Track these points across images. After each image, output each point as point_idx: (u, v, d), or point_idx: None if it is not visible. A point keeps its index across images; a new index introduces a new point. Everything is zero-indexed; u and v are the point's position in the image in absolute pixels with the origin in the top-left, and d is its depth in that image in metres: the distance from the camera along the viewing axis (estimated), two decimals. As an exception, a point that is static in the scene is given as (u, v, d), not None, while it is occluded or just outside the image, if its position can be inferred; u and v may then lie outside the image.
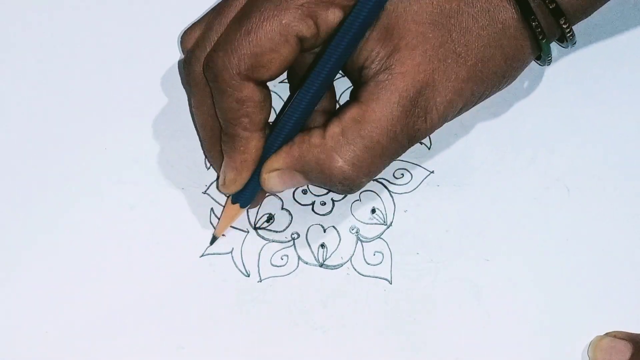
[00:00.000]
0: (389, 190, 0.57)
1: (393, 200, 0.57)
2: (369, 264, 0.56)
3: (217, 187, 0.56)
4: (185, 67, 0.53)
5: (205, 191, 0.57)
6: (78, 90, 0.58)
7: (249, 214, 0.57)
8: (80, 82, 0.58)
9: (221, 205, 0.57)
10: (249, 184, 0.53)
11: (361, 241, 0.56)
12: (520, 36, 0.51)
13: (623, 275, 0.56)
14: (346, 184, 0.50)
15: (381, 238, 0.56)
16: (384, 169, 0.51)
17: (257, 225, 0.56)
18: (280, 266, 0.56)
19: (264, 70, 0.50)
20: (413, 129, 0.50)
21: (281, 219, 0.57)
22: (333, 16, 0.49)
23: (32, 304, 0.55)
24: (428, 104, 0.50)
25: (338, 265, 0.56)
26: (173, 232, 0.56)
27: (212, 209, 0.57)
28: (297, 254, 0.56)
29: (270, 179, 0.52)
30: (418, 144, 0.58)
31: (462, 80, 0.50)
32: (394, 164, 0.57)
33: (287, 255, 0.56)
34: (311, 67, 0.52)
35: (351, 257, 0.56)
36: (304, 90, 0.51)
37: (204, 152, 0.57)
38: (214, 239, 0.56)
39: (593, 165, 0.57)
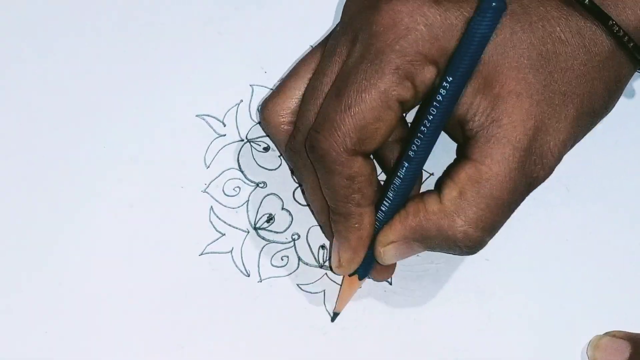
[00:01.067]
0: (389, 191, 0.57)
1: (393, 201, 0.57)
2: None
3: (331, 269, 0.55)
4: (292, 155, 0.52)
5: (205, 190, 0.57)
6: (77, 89, 0.58)
7: (249, 214, 0.56)
8: (79, 81, 0.58)
9: (220, 203, 0.57)
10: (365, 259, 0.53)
11: (361, 242, 0.56)
12: (618, 64, 0.50)
13: (622, 275, 0.56)
14: (470, 246, 0.49)
15: (381, 239, 0.56)
16: (504, 223, 0.50)
17: (258, 226, 0.56)
18: (281, 267, 0.56)
19: (371, 141, 0.48)
20: (531, 177, 0.49)
21: (281, 220, 0.57)
22: (429, 74, 0.48)
23: (32, 302, 0.54)
24: (543, 149, 0.49)
25: (338, 266, 0.56)
26: (172, 231, 0.56)
27: (211, 207, 0.57)
28: (297, 254, 0.56)
29: (386, 252, 0.51)
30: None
31: (572, 119, 0.49)
32: (395, 165, 0.57)
33: (288, 256, 0.56)
34: (412, 130, 0.51)
35: (351, 258, 0.56)
36: (412, 156, 0.49)
37: (324, 233, 0.56)
38: (335, 316, 0.55)
39: (593, 165, 0.57)
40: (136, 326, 0.54)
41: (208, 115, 0.58)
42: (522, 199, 0.50)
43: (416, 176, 0.50)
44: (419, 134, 0.48)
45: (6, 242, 0.55)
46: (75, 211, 0.56)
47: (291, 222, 0.57)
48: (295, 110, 0.52)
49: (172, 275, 0.55)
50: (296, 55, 0.59)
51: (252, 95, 0.59)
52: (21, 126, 0.57)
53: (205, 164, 0.57)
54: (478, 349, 0.55)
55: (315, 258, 0.56)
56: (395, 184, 0.50)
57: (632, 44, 0.50)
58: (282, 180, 0.57)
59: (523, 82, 0.48)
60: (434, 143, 0.49)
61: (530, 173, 0.49)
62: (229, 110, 0.58)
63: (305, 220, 0.57)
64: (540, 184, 0.50)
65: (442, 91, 0.46)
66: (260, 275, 0.56)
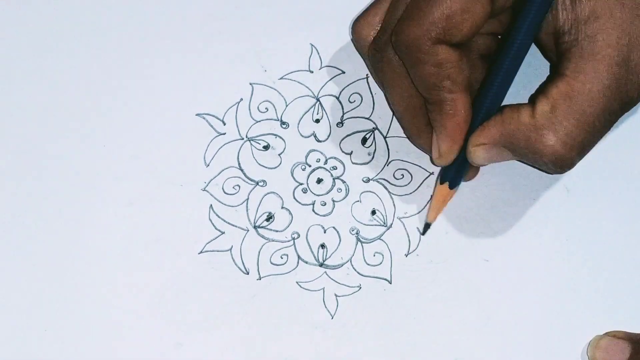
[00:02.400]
0: (389, 192, 0.57)
1: (393, 202, 0.57)
2: (368, 264, 0.56)
3: (433, 162, 0.55)
4: (375, 54, 0.53)
5: (204, 188, 0.57)
6: (77, 88, 0.58)
7: (249, 212, 0.56)
8: (79, 79, 0.58)
9: (220, 202, 0.56)
10: (455, 163, 0.53)
11: (361, 242, 0.56)
12: None
13: (622, 275, 0.56)
14: (558, 163, 0.50)
15: (381, 239, 0.56)
16: (596, 143, 0.50)
17: (257, 224, 0.56)
18: (280, 265, 0.56)
19: (457, 31, 0.49)
20: (627, 95, 0.49)
21: (281, 219, 0.57)
22: None
23: (31, 300, 0.54)
24: (637, 68, 0.49)
25: (338, 265, 0.56)
26: (172, 229, 0.56)
27: (211, 205, 0.56)
28: (296, 253, 0.56)
29: (477, 151, 0.52)
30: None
31: None
32: (394, 164, 0.57)
33: (287, 255, 0.56)
34: (507, 32, 0.51)
35: (351, 257, 0.56)
36: (506, 54, 0.50)
37: (409, 138, 0.56)
38: (427, 227, 0.56)
39: (593, 166, 0.57)
40: (135, 323, 0.54)
41: (208, 114, 0.58)
42: (615, 120, 0.50)
43: (507, 86, 0.51)
44: (511, 39, 0.49)
45: (6, 239, 0.55)
46: (75, 209, 0.56)
47: (291, 220, 0.57)
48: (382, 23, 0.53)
49: (172, 273, 0.55)
50: (296, 53, 0.59)
51: (252, 94, 0.59)
52: (21, 125, 0.57)
53: (205, 162, 0.57)
54: (477, 348, 0.55)
55: (314, 257, 0.56)
56: (487, 93, 0.51)
57: None
58: (282, 178, 0.57)
59: (614, 0, 0.48)
60: (526, 50, 0.50)
61: (625, 91, 0.49)
62: (229, 108, 0.58)
63: (305, 219, 0.56)
64: (633, 105, 0.50)
65: None
66: (259, 273, 0.56)
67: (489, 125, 0.51)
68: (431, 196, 0.56)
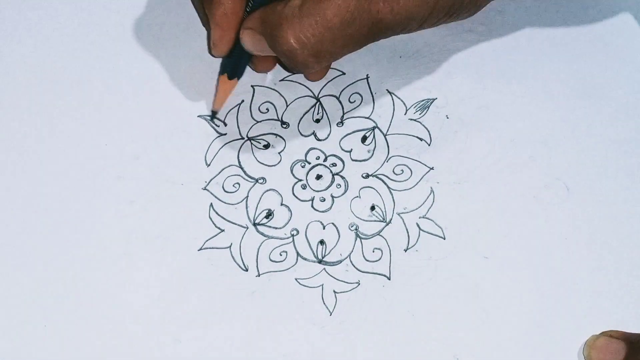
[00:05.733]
0: (388, 188, 0.57)
1: (392, 197, 0.57)
2: (367, 260, 0.56)
3: (210, 52, 0.56)
4: None
5: (205, 187, 0.57)
6: (79, 87, 0.58)
7: (249, 209, 0.57)
8: (80, 78, 0.59)
9: (220, 200, 0.57)
10: (234, 54, 0.54)
11: (360, 238, 0.56)
12: None
13: (620, 274, 0.56)
14: (290, 57, 0.49)
15: (380, 235, 0.56)
16: (337, 54, 0.50)
17: (257, 221, 0.57)
18: (279, 262, 0.56)
19: None
20: (376, 16, 0.48)
21: (280, 215, 0.57)
22: None
23: (31, 297, 0.54)
24: None
25: (337, 261, 0.56)
26: (172, 227, 0.56)
27: (211, 204, 0.57)
28: (296, 250, 0.56)
29: (244, 35, 0.52)
30: (417, 140, 0.58)
31: None
32: (394, 160, 0.57)
33: (286, 251, 0.56)
34: None
35: (350, 253, 0.56)
36: None
37: (202, 23, 0.58)
38: (214, 114, 0.57)
39: (593, 164, 0.58)
40: (135, 320, 0.54)
41: (210, 116, 0.58)
42: (362, 38, 0.49)
43: None
44: None
45: (7, 238, 0.55)
46: (77, 207, 0.56)
47: (290, 217, 0.57)
48: None
49: (172, 270, 0.55)
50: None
51: (253, 96, 0.59)
52: (23, 124, 0.58)
53: (206, 162, 0.58)
54: (475, 345, 0.54)
55: (313, 253, 0.56)
56: None
57: None
58: (282, 176, 0.57)
59: None
60: None
61: (375, 11, 0.48)
62: (230, 110, 0.59)
63: (304, 215, 0.57)
64: (387, 30, 0.50)
65: None
66: (258, 270, 0.56)
67: (257, 11, 0.52)
68: (217, 82, 0.57)
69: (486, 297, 0.55)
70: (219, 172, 0.57)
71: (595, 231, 0.57)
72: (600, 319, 0.55)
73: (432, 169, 0.57)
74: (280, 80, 0.59)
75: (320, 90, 0.59)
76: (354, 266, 0.56)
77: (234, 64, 0.55)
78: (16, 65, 0.59)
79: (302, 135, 0.58)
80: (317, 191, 0.57)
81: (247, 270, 0.56)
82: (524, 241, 0.56)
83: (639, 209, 0.57)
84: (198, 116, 0.58)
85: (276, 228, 0.56)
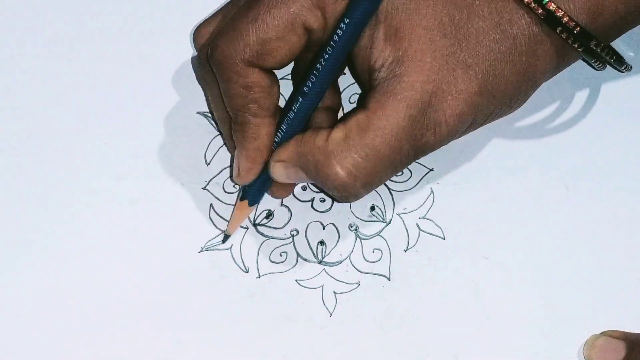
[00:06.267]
0: (388, 188, 0.57)
1: (392, 198, 0.57)
2: (367, 261, 0.56)
3: (231, 179, 0.56)
4: (199, 61, 0.53)
5: (205, 187, 0.57)
6: (78, 86, 0.58)
7: (249, 210, 0.57)
8: (80, 77, 0.59)
9: (220, 201, 0.57)
10: (256, 183, 0.53)
11: (360, 238, 0.56)
12: (532, 54, 0.49)
13: (620, 274, 0.56)
14: (342, 191, 0.49)
15: (380, 235, 0.56)
16: (385, 180, 0.50)
17: (257, 222, 0.57)
18: (279, 262, 0.56)
19: (270, 58, 0.49)
20: (421, 141, 0.49)
21: (280, 216, 0.57)
22: (340, 7, 0.49)
23: (32, 297, 0.54)
24: (437, 116, 0.48)
25: (337, 262, 0.56)
26: (172, 228, 0.56)
27: (211, 204, 0.57)
28: (296, 250, 0.56)
29: (276, 167, 0.52)
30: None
31: (473, 94, 0.49)
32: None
33: (286, 252, 0.56)
34: (315, 59, 0.51)
35: (350, 254, 0.56)
36: (307, 91, 0.50)
37: (226, 146, 0.57)
38: (226, 237, 0.56)
39: (593, 164, 0.58)
40: (135, 321, 0.54)
41: (209, 113, 0.58)
42: (406, 162, 0.50)
43: (310, 111, 0.51)
44: (314, 71, 0.49)
45: (7, 237, 0.55)
46: (76, 207, 0.56)
47: (290, 218, 0.57)
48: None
49: (172, 272, 0.55)
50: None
51: (253, 95, 0.59)
52: (23, 122, 0.58)
53: (206, 161, 0.57)
54: (475, 346, 0.55)
55: (313, 254, 0.56)
56: (289, 117, 0.51)
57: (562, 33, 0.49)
58: (282, 176, 0.57)
59: (430, 43, 0.48)
60: (329, 82, 0.50)
61: (421, 137, 0.49)
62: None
63: (304, 216, 0.57)
64: (428, 151, 0.50)
65: (339, 31, 0.48)
66: (259, 271, 0.56)
67: (289, 143, 0.51)
68: (233, 206, 0.57)
69: (486, 298, 0.55)
70: (219, 172, 0.57)
71: (595, 231, 0.57)
72: (600, 319, 0.55)
73: (432, 170, 0.57)
74: (280, 79, 0.59)
75: (320, 90, 0.59)
76: (354, 267, 0.56)
77: (256, 192, 0.55)
78: (15, 64, 0.59)
79: (302, 135, 0.58)
80: (317, 192, 0.57)
81: (247, 271, 0.56)
82: (524, 241, 0.56)
83: (639, 209, 0.57)
84: (197, 113, 0.58)
85: (276, 228, 0.57)
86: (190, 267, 0.55)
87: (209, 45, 0.51)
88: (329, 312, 0.55)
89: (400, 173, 0.57)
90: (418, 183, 0.57)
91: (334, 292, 0.55)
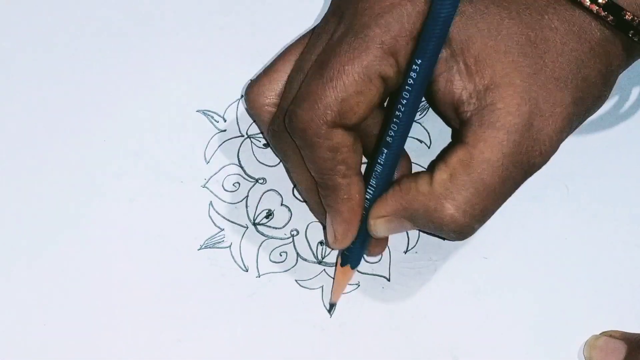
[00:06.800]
0: (388, 188, 0.57)
1: (392, 198, 0.57)
2: (367, 261, 0.56)
3: (328, 245, 0.55)
4: (273, 133, 0.52)
5: (204, 185, 0.57)
6: (77, 83, 0.58)
7: (249, 209, 0.57)
8: (80, 75, 0.58)
9: (219, 199, 0.57)
10: (355, 244, 0.52)
11: (360, 239, 0.56)
12: (608, 52, 0.49)
13: (620, 275, 0.56)
14: (458, 232, 0.48)
15: (380, 236, 0.56)
16: (496, 210, 0.49)
17: (257, 221, 0.57)
18: (279, 262, 0.56)
19: (352, 114, 0.48)
20: (528, 164, 0.48)
21: (280, 216, 0.57)
22: (412, 49, 0.47)
23: (30, 295, 0.55)
24: (539, 135, 0.48)
25: (337, 262, 0.56)
26: (172, 226, 0.56)
27: (210, 202, 0.57)
28: (295, 250, 0.56)
29: (377, 225, 0.50)
30: (417, 142, 0.58)
31: (568, 104, 0.48)
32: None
33: (286, 252, 0.56)
34: (388, 117, 0.49)
35: (350, 254, 0.56)
36: (390, 142, 0.49)
37: (313, 213, 0.56)
38: (332, 307, 0.55)
39: (593, 165, 0.57)
40: (134, 320, 0.54)
41: (208, 111, 0.58)
42: (516, 187, 0.49)
43: (396, 161, 0.50)
44: (394, 119, 0.48)
45: (6, 235, 0.55)
46: (75, 205, 0.56)
47: (290, 218, 0.57)
48: (280, 92, 0.52)
49: (171, 270, 0.55)
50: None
51: (252, 91, 0.59)
52: (22, 121, 0.57)
53: (205, 159, 0.57)
54: (475, 346, 0.55)
55: (313, 254, 0.56)
56: (376, 170, 0.50)
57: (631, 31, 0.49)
58: (282, 176, 0.57)
59: (514, 66, 0.47)
60: (410, 127, 0.49)
61: (526, 159, 0.48)
62: (230, 105, 0.58)
63: (304, 216, 0.57)
64: (535, 171, 0.49)
65: (413, 74, 0.46)
66: (258, 271, 0.56)
67: (387, 196, 0.50)
68: (334, 274, 0.56)
69: (486, 298, 0.55)
70: (219, 170, 0.57)
71: (595, 231, 0.57)
72: (600, 319, 0.55)
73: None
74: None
75: (320, 88, 0.59)
76: (354, 267, 0.56)
77: (357, 253, 0.53)
78: (15, 62, 0.59)
79: (302, 134, 0.58)
80: (317, 192, 0.57)
81: (247, 270, 0.56)
82: (524, 241, 0.56)
83: (639, 209, 0.57)
84: (197, 111, 0.58)
85: (276, 228, 0.56)
86: (189, 265, 0.55)
87: (286, 115, 0.50)
88: (329, 313, 0.55)
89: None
90: (418, 184, 0.57)
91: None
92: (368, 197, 0.51)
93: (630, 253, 0.56)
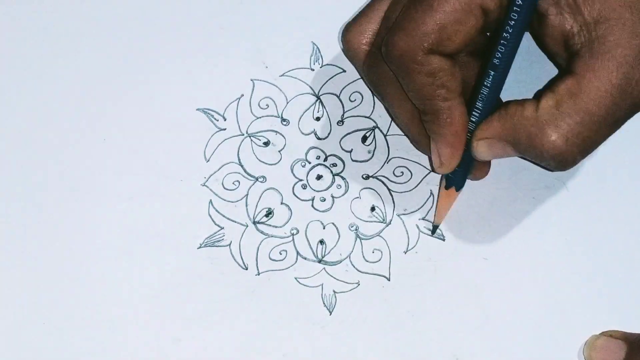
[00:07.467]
0: (388, 189, 0.57)
1: (392, 198, 0.57)
2: (367, 261, 0.56)
3: (433, 170, 0.56)
4: (368, 65, 0.52)
5: (204, 183, 0.57)
6: (78, 82, 0.58)
7: (248, 208, 0.57)
8: (80, 74, 0.58)
9: (219, 197, 0.57)
10: (459, 165, 0.53)
11: (360, 239, 0.56)
12: None
13: (620, 275, 0.56)
14: (558, 160, 0.48)
15: (380, 236, 0.56)
16: (601, 143, 0.49)
17: (256, 220, 0.56)
18: (279, 260, 0.56)
19: (449, 43, 0.49)
20: (637, 97, 0.48)
21: (281, 214, 0.57)
22: None
23: (29, 294, 0.54)
24: None
25: (337, 261, 0.56)
26: (171, 224, 0.56)
27: (210, 201, 0.57)
28: (295, 249, 0.56)
29: (480, 146, 0.51)
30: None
31: None
32: (394, 162, 0.57)
33: (286, 251, 0.56)
34: (493, 40, 0.50)
35: (350, 254, 0.56)
36: (497, 64, 0.49)
37: (416, 146, 0.56)
38: (435, 228, 0.56)
39: (593, 165, 0.57)
40: (134, 318, 0.54)
41: (209, 109, 0.58)
42: (621, 122, 0.49)
43: (502, 83, 0.50)
44: (502, 41, 0.48)
45: (6, 234, 0.55)
46: (75, 203, 0.56)
47: (290, 216, 0.57)
48: (376, 31, 0.53)
49: (171, 268, 0.55)
50: (298, 51, 0.59)
51: (252, 90, 0.59)
52: (22, 119, 0.57)
53: (205, 157, 0.57)
54: (475, 346, 0.55)
55: (313, 253, 0.56)
56: (482, 93, 0.50)
57: None
58: (282, 175, 0.57)
59: (622, 1, 0.47)
60: (517, 49, 0.49)
61: (637, 92, 0.48)
62: (230, 104, 0.58)
63: (304, 215, 0.57)
64: None
65: None
66: (258, 269, 0.56)
67: (492, 119, 0.50)
68: (437, 195, 0.56)
69: (486, 298, 0.55)
70: (219, 169, 0.57)
71: (595, 231, 0.57)
72: (600, 319, 0.55)
73: (432, 171, 0.57)
74: (280, 76, 0.59)
75: (321, 87, 0.59)
76: (354, 266, 0.56)
77: (461, 176, 0.54)
78: (15, 61, 0.59)
79: (302, 133, 0.58)
80: (318, 191, 0.57)
81: (246, 268, 0.56)
82: (524, 242, 0.56)
83: (639, 209, 0.57)
84: (197, 109, 0.58)
85: (276, 227, 0.56)
86: (188, 263, 0.55)
87: (382, 44, 0.50)
88: (329, 311, 0.55)
89: (400, 173, 0.57)
90: (418, 184, 0.57)
91: (334, 291, 0.55)
92: (474, 119, 0.51)
93: (629, 253, 0.56)
